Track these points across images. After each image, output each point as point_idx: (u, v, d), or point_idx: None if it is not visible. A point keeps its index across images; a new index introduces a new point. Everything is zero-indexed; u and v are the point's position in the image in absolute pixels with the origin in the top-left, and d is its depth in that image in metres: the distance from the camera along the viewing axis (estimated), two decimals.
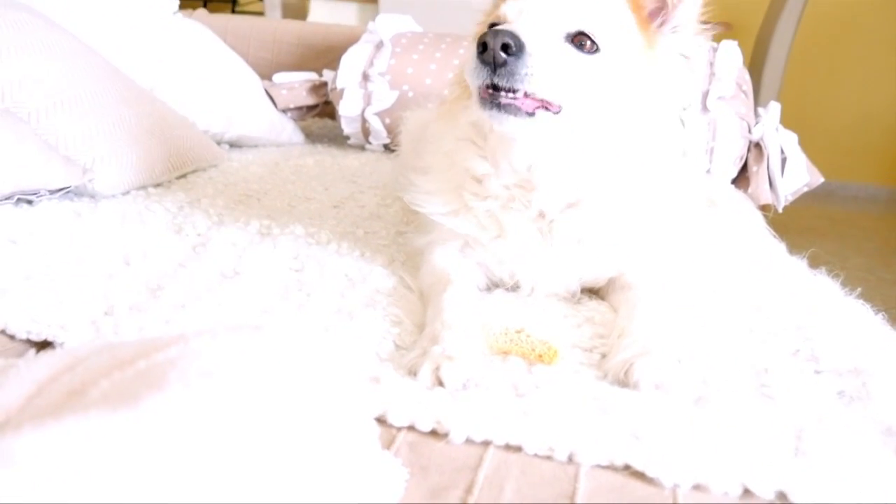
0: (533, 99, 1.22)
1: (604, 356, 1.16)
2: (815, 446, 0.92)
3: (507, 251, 1.38)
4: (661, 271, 1.43)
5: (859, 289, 1.51)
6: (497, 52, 1.16)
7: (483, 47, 1.17)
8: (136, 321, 1.17)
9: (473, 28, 1.44)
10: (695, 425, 0.95)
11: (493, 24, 1.26)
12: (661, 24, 1.35)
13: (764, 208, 2.65)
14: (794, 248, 1.92)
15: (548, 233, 1.37)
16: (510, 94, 1.20)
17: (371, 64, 2.80)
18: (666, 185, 1.45)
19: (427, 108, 2.15)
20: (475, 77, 1.21)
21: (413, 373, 1.04)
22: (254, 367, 0.55)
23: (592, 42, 1.25)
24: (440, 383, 1.01)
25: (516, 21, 1.24)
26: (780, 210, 2.68)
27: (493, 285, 1.44)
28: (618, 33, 1.28)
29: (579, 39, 1.24)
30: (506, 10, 1.27)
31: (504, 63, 1.17)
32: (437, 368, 1.03)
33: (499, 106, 1.21)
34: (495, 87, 1.20)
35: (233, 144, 2.76)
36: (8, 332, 1.14)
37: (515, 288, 1.42)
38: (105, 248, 1.49)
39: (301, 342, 0.64)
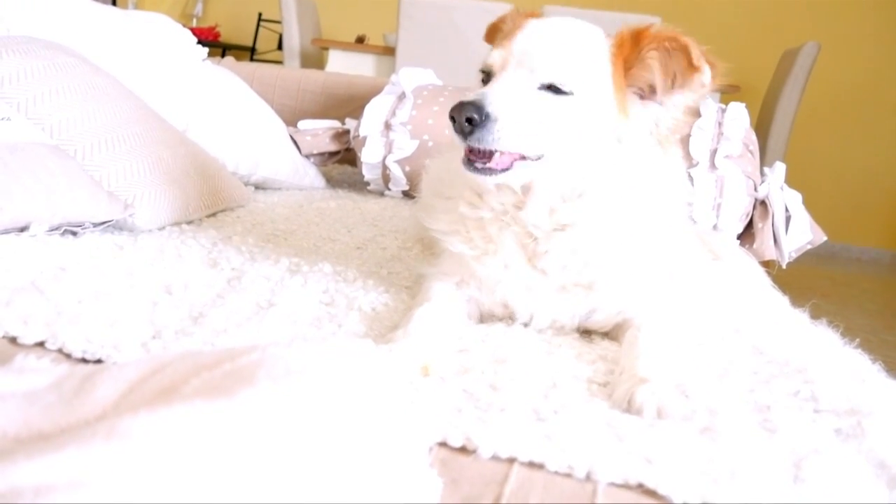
0: (509, 154, 1.35)
1: None
2: (813, 475, 1.00)
3: (496, 270, 1.49)
4: (663, 313, 1.51)
5: (857, 339, 1.60)
6: (463, 124, 1.30)
7: (453, 119, 1.32)
8: (182, 344, 1.26)
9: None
10: (700, 450, 1.03)
11: (485, 72, 1.41)
12: (642, 97, 1.44)
13: (767, 264, 2.75)
14: (795, 304, 2.01)
15: (534, 255, 1.47)
16: (484, 159, 1.35)
17: (393, 114, 2.93)
18: (659, 227, 1.54)
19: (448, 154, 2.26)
20: (454, 141, 1.36)
21: None
22: (329, 369, 0.64)
23: (566, 89, 1.36)
24: None
25: (499, 72, 1.37)
26: (784, 266, 2.77)
27: (489, 317, 1.55)
28: (592, 80, 1.38)
29: (553, 87, 1.35)
30: (491, 62, 1.40)
31: (472, 132, 1.30)
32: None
33: (475, 167, 1.36)
34: (472, 150, 1.34)
35: (258, 186, 2.88)
36: (65, 350, 1.22)
37: (511, 319, 1.51)
38: (147, 279, 1.58)
39: (362, 354, 0.73)
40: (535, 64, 1.35)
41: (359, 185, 3.17)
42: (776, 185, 2.78)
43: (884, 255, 7.33)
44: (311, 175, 3.07)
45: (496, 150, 1.34)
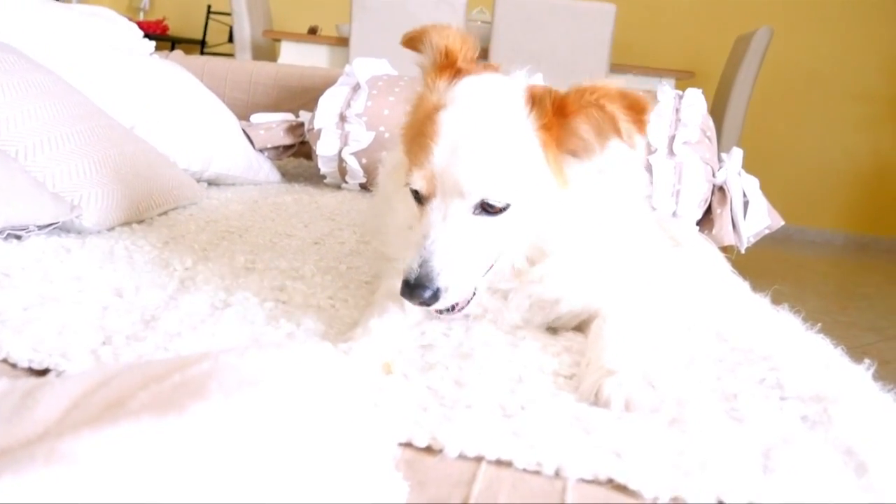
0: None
1: None
2: (782, 464, 0.99)
3: None
4: (627, 304, 1.50)
5: (819, 324, 1.60)
6: (425, 302, 1.27)
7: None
8: (134, 350, 1.21)
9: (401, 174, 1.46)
10: (670, 443, 1.02)
11: (413, 190, 1.33)
12: (576, 156, 1.36)
13: (726, 250, 2.76)
14: (754, 288, 2.01)
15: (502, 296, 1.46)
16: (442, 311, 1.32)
17: (348, 105, 2.88)
18: (618, 233, 1.50)
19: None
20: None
21: None
22: (284, 379, 0.61)
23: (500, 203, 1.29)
24: None
25: (429, 199, 1.30)
26: (743, 251, 2.79)
27: None
28: (526, 178, 1.31)
29: (486, 204, 1.29)
30: (416, 187, 1.31)
31: (433, 302, 1.27)
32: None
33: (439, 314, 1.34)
34: None
35: (211, 182, 2.81)
36: (10, 360, 1.17)
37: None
38: (96, 282, 1.53)
39: (320, 359, 0.69)
40: (464, 189, 1.27)
41: (315, 179, 3.11)
42: (734, 170, 2.80)
43: (837, 237, 7.46)
44: (265, 170, 3.01)
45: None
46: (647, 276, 1.64)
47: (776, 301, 1.80)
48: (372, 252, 2.03)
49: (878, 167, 7.39)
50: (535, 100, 1.31)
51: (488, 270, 1.37)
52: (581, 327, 1.50)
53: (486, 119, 1.31)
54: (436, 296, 1.25)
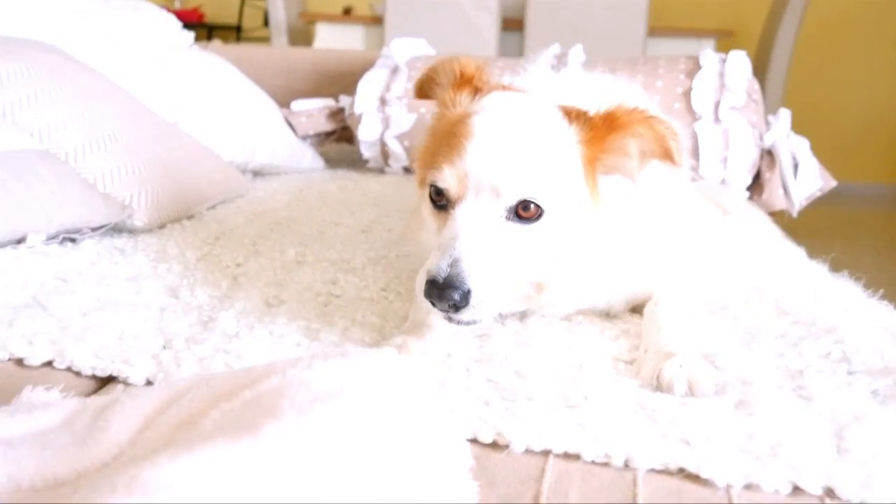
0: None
1: None
2: (856, 444, 0.96)
3: None
4: (681, 282, 1.47)
5: (882, 290, 1.56)
6: (451, 307, 1.16)
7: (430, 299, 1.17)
8: (194, 353, 1.22)
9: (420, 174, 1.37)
10: (738, 427, 1.00)
11: (435, 187, 1.24)
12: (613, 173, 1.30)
13: (778, 215, 2.71)
14: (807, 250, 1.97)
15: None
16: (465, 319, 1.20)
17: (388, 88, 2.87)
18: (658, 220, 1.45)
19: None
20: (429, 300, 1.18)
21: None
22: (354, 394, 0.61)
23: (537, 206, 1.20)
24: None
25: (458, 201, 1.21)
26: (795, 215, 2.73)
27: None
28: (564, 186, 1.24)
29: (522, 206, 1.20)
30: (444, 186, 1.22)
31: (455, 311, 1.17)
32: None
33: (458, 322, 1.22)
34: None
35: (256, 173, 2.83)
36: (73, 368, 1.19)
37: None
38: (152, 283, 1.54)
39: (386, 368, 0.69)
40: (501, 187, 1.19)
41: (358, 164, 3.11)
42: (782, 133, 2.73)
43: (887, 191, 7.28)
44: (308, 157, 3.01)
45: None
46: (698, 246, 1.60)
47: (834, 267, 1.76)
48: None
49: None
50: (574, 115, 1.25)
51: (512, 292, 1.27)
52: (636, 308, 1.48)
53: (525, 122, 1.25)
54: (466, 299, 1.14)
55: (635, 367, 1.22)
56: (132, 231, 1.89)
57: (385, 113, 2.85)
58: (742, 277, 1.65)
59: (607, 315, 1.46)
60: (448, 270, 1.15)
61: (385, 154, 2.90)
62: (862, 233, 6.28)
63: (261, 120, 2.85)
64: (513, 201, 1.19)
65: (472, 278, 1.14)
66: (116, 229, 1.87)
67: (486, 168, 1.19)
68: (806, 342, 1.30)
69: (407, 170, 2.89)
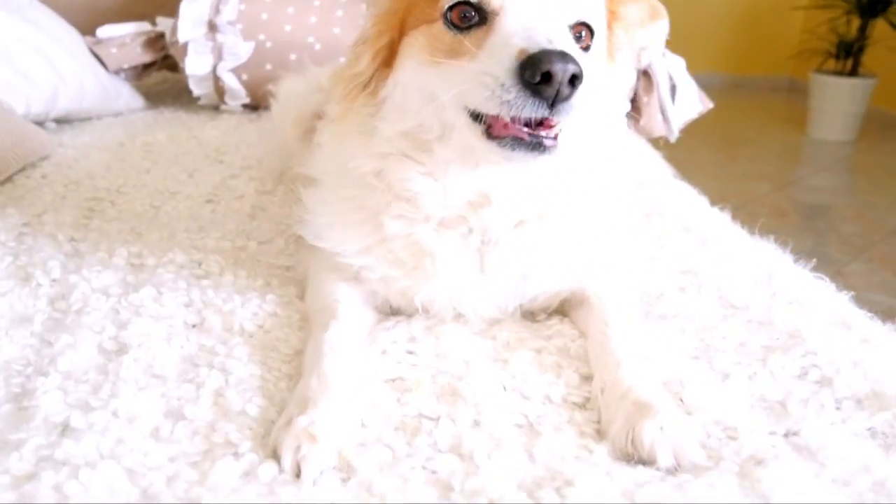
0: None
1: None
2: None
3: (430, 285, 1.16)
4: (612, 281, 1.25)
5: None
6: (564, 86, 0.90)
7: (542, 76, 0.89)
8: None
9: None
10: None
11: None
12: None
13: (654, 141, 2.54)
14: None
15: (483, 256, 1.15)
16: (552, 133, 0.95)
17: (217, 11, 2.41)
18: (614, 185, 1.27)
19: (305, 72, 1.84)
20: (510, 108, 0.92)
21: (276, 453, 0.87)
22: None
23: (591, 32, 1.05)
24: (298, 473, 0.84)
25: (507, 5, 0.97)
26: (673, 141, 2.55)
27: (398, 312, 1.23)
28: (601, 29, 1.10)
29: (578, 31, 1.03)
30: None
31: (568, 97, 0.91)
32: (298, 450, 0.85)
33: (539, 147, 0.95)
34: (538, 122, 0.94)
35: (61, 121, 2.32)
36: None
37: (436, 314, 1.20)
38: None
39: None
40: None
41: (186, 99, 2.64)
42: (657, 51, 2.52)
43: (713, 79, 7.44)
44: (124, 95, 2.52)
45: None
46: (629, 236, 1.40)
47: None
48: (279, 203, 1.69)
49: (751, 5, 7.55)
50: None
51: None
52: (561, 310, 1.24)
53: None
54: (576, 82, 0.90)
55: (594, 416, 0.98)
56: None
57: (216, 41, 2.40)
58: (669, 258, 1.45)
59: (532, 317, 1.24)
60: (550, 45, 0.91)
61: (220, 90, 2.47)
62: (696, 125, 6.32)
63: (60, 54, 2.30)
64: (572, 18, 1.02)
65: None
66: None
67: None
68: (774, 356, 1.13)
69: (248, 107, 2.48)
